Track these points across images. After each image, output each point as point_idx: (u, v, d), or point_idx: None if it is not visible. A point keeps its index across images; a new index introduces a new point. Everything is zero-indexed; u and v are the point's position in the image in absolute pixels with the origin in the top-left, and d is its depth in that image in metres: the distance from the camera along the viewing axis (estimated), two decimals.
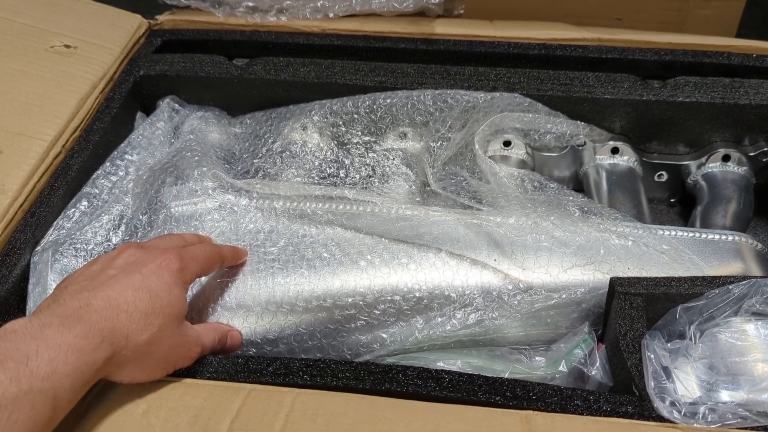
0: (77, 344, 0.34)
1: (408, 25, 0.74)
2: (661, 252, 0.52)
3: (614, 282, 0.49)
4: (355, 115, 0.65)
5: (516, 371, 0.48)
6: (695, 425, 0.39)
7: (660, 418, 0.40)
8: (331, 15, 0.73)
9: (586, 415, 0.41)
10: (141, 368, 0.39)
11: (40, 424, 0.32)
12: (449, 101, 0.63)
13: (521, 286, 0.51)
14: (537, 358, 0.51)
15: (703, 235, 0.55)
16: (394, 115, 0.65)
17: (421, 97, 0.64)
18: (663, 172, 0.69)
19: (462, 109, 0.62)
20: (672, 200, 0.71)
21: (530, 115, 0.65)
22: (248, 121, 0.69)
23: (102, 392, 0.40)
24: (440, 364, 0.49)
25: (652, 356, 0.43)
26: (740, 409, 0.39)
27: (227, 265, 0.50)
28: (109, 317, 0.36)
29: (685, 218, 0.69)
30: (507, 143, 0.66)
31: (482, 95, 0.63)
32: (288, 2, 0.73)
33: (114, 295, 0.38)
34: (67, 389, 0.34)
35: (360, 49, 0.72)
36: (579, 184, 0.69)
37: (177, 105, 0.69)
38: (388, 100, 0.65)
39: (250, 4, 0.74)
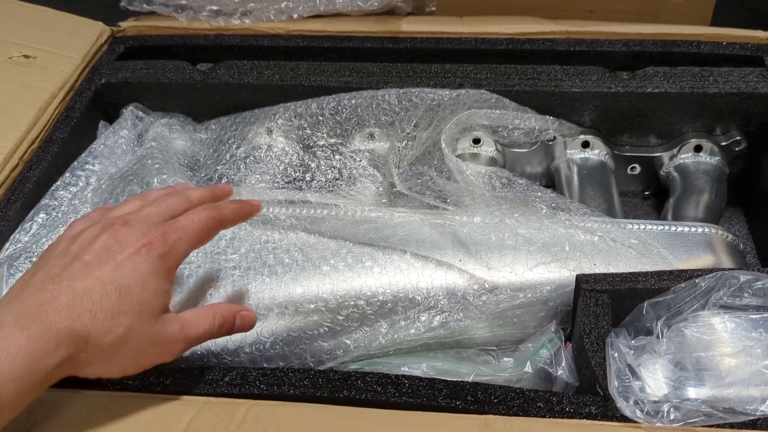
0: (28, 348, 0.32)
1: (374, 24, 0.73)
2: (629, 246, 0.51)
3: (580, 279, 0.48)
4: (320, 117, 0.64)
5: (481, 373, 0.47)
6: (658, 424, 0.38)
7: (624, 418, 0.39)
8: (295, 16, 0.72)
9: (548, 417, 0.40)
10: (106, 368, 0.37)
11: None
12: (414, 100, 0.62)
13: (486, 286, 0.50)
14: (505, 359, 0.50)
15: (673, 228, 0.54)
16: (359, 116, 0.64)
17: (386, 97, 0.63)
18: (636, 165, 0.68)
19: (427, 107, 0.61)
20: (646, 193, 0.70)
21: (498, 112, 0.64)
22: (213, 127, 0.68)
23: (49, 408, 0.39)
24: (404, 369, 0.48)
25: (616, 354, 0.42)
26: (704, 407, 0.38)
27: (229, 227, 0.44)
28: (70, 317, 0.34)
29: (659, 211, 0.68)
30: (476, 141, 0.65)
31: (448, 93, 0.62)
32: (252, 5, 0.72)
33: (81, 290, 0.35)
34: (11, 395, 0.31)
35: (326, 50, 0.71)
36: (552, 180, 0.68)
37: (141, 112, 0.68)
38: (353, 101, 0.64)
39: (214, 7, 0.73)
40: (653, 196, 0.71)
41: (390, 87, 0.64)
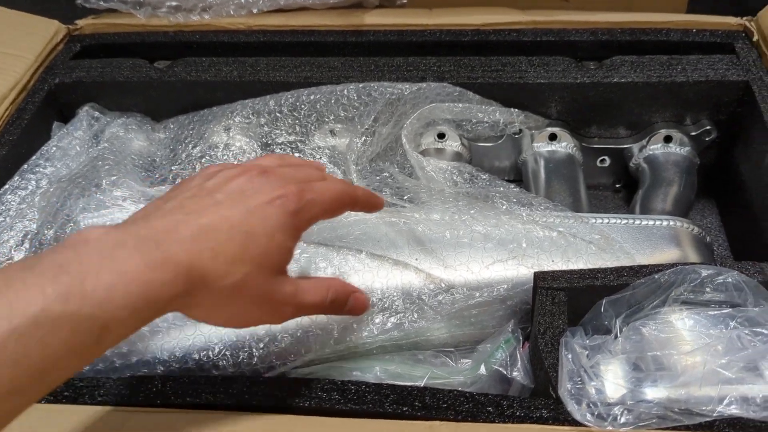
0: (145, 275, 0.29)
1: (338, 18, 0.71)
2: (590, 242, 0.49)
3: (537, 276, 0.46)
4: (278, 114, 0.62)
5: (435, 376, 0.45)
6: (609, 428, 0.36)
7: (575, 422, 0.37)
8: (255, 11, 0.70)
9: (498, 422, 0.38)
10: (214, 314, 0.35)
11: (78, 353, 0.28)
12: (373, 94, 0.60)
13: (443, 285, 0.48)
14: (463, 361, 0.48)
15: (637, 222, 0.52)
16: (318, 112, 0.62)
17: (345, 92, 0.61)
18: (605, 157, 0.66)
19: (386, 101, 0.60)
20: (617, 185, 0.69)
21: (461, 105, 0.62)
22: (172, 126, 0.66)
23: None
24: (356, 374, 0.46)
25: (569, 355, 0.40)
26: (657, 409, 0.37)
27: (359, 210, 0.43)
28: (191, 251, 0.31)
29: (630, 203, 0.67)
30: (441, 135, 0.63)
31: (408, 86, 0.60)
32: (211, 0, 0.70)
33: (206, 226, 0.32)
34: (120, 322, 0.29)
35: (287, 45, 0.69)
36: (520, 174, 0.66)
37: (97, 113, 0.67)
38: (312, 96, 0.62)
39: (173, 3, 0.71)
40: (624, 189, 0.69)
41: (351, 81, 0.63)
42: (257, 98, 0.63)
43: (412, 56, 0.65)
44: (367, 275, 0.49)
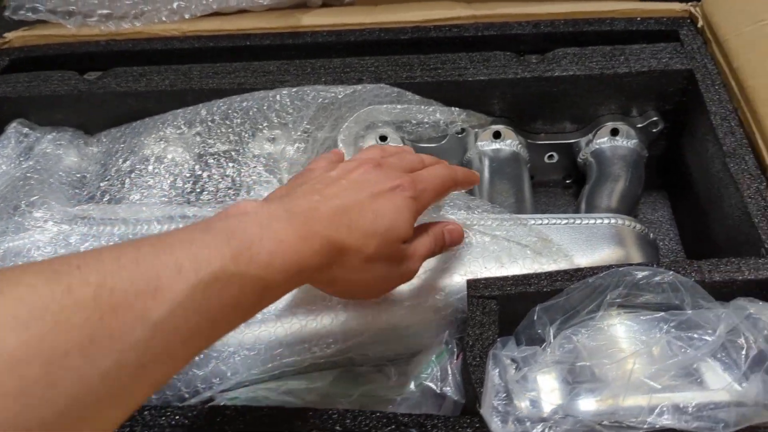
0: (297, 245, 0.33)
1: (275, 20, 0.68)
2: (525, 245, 0.47)
3: (469, 285, 0.44)
4: (211, 123, 0.60)
5: (366, 393, 0.43)
6: None
7: None
8: (187, 16, 0.68)
9: None
10: (352, 285, 0.39)
11: (242, 309, 0.31)
12: (306, 98, 0.58)
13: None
14: (401, 376, 0.46)
15: (578, 221, 0.50)
16: (252, 119, 0.60)
17: (278, 97, 0.59)
18: (553, 153, 0.64)
19: (319, 105, 0.57)
20: (567, 181, 0.67)
21: (400, 106, 0.60)
22: (104, 140, 0.64)
23: None
24: (288, 399, 0.44)
25: (496, 369, 0.38)
26: (582, 424, 0.35)
27: (460, 189, 0.47)
28: (330, 227, 0.35)
29: None
30: (382, 138, 0.61)
31: (342, 89, 0.58)
32: (142, 6, 0.68)
33: (340, 207, 0.36)
34: (277, 285, 0.32)
35: (223, 50, 0.67)
36: None
37: (26, 129, 0.64)
38: (244, 104, 0.60)
39: (104, 11, 0.69)
40: (576, 184, 0.67)
41: (285, 86, 0.60)
42: (189, 108, 0.61)
43: (350, 57, 0.63)
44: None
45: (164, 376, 0.28)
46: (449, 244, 0.45)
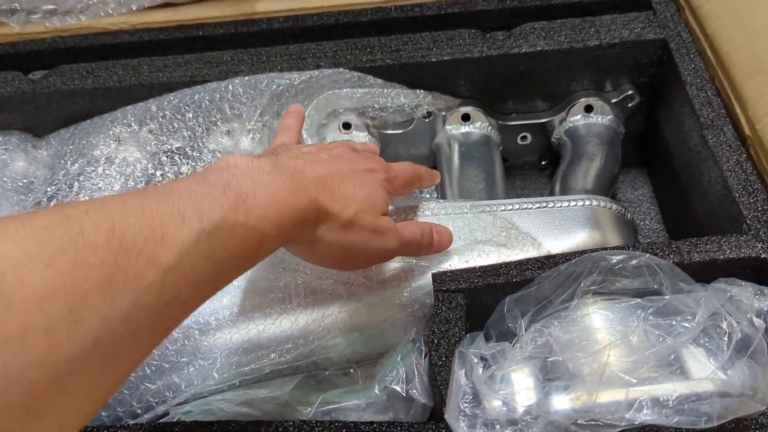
0: (288, 200, 0.33)
1: (228, 8, 0.65)
2: (492, 235, 0.44)
3: (434, 278, 0.41)
4: (162, 119, 0.57)
5: (328, 401, 0.40)
6: None
7: None
8: (134, 7, 0.64)
9: None
10: (334, 249, 0.38)
11: (242, 260, 0.31)
12: (260, 87, 0.55)
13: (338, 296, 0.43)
14: (367, 379, 0.43)
15: (550, 204, 0.47)
16: (204, 112, 0.56)
17: (230, 87, 0.55)
18: (526, 134, 0.62)
19: (273, 93, 0.54)
20: (543, 163, 0.64)
21: (361, 91, 0.57)
22: (53, 142, 0.60)
23: None
24: (244, 410, 0.41)
25: (462, 369, 0.35)
26: (554, 424, 0.32)
27: (424, 187, 0.49)
28: (316, 188, 0.36)
29: None
30: (346, 126, 0.58)
31: (297, 75, 0.55)
32: (88, 0, 0.64)
33: (322, 173, 0.37)
34: (271, 238, 0.32)
35: (175, 42, 0.63)
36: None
37: None
38: (196, 96, 0.56)
39: (49, 7, 0.65)
40: (551, 165, 0.64)
41: (240, 75, 0.57)
42: (139, 104, 0.58)
43: (308, 42, 0.60)
44: (250, 293, 0.44)
45: (176, 322, 0.28)
46: (436, 246, 0.43)
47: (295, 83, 0.55)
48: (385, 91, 0.57)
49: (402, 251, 0.41)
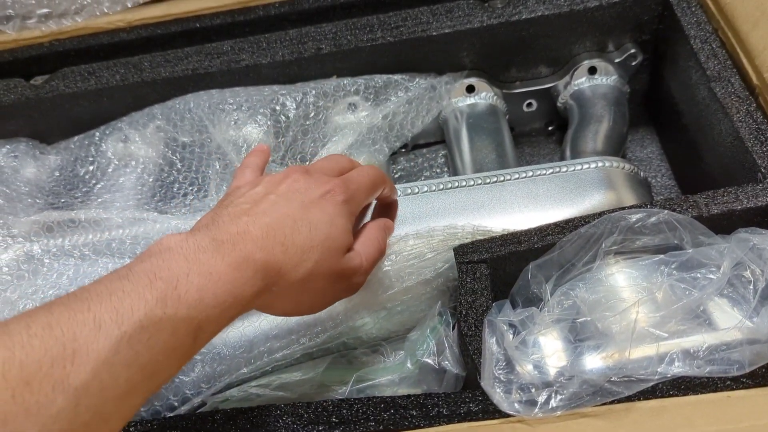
0: (229, 275, 0.31)
1: None
2: (509, 203, 0.45)
3: (456, 251, 0.42)
4: (171, 117, 0.57)
5: (361, 379, 0.41)
6: (539, 415, 0.32)
7: (505, 414, 0.34)
8: (130, 4, 0.64)
9: (424, 426, 0.34)
10: (295, 304, 0.37)
11: (179, 353, 0.29)
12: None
13: None
14: (397, 353, 0.44)
15: (564, 168, 0.48)
16: (213, 106, 0.56)
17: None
18: (531, 101, 0.62)
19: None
20: (550, 128, 0.64)
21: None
22: (62, 148, 0.60)
23: None
24: (281, 394, 0.42)
25: (493, 337, 0.36)
26: (590, 383, 0.33)
27: (390, 192, 0.45)
28: (264, 248, 0.33)
29: None
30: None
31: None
32: (82, 0, 0.64)
33: (272, 224, 0.34)
34: (212, 321, 0.30)
35: (174, 36, 0.63)
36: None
37: None
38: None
39: (44, 11, 0.65)
40: (559, 131, 0.64)
41: (242, 64, 0.57)
42: (144, 110, 0.58)
43: (307, 26, 0.60)
44: None
45: None
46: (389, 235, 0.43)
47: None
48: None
49: (367, 277, 0.40)
